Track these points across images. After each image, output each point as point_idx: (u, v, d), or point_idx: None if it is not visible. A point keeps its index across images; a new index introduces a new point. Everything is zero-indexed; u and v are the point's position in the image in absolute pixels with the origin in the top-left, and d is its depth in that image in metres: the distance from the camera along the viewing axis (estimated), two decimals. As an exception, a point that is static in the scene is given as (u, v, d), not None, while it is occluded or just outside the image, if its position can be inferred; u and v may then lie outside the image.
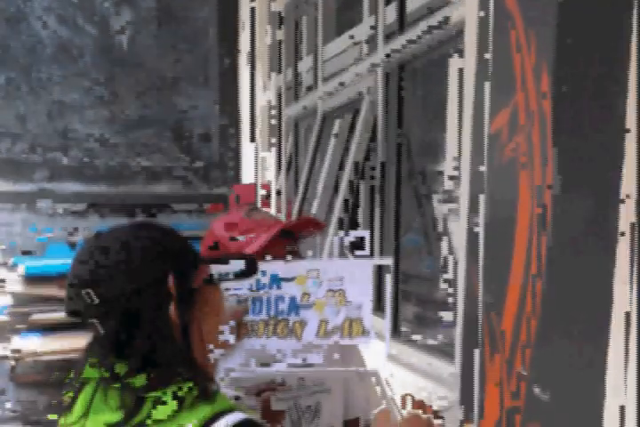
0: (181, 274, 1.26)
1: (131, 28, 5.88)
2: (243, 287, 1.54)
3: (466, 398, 1.65)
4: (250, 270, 1.37)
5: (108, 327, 1.24)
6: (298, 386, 1.61)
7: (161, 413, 1.18)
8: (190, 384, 1.21)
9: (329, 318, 1.49)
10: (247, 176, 4.83)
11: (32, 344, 4.70)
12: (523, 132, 1.42)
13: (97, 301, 1.24)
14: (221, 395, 1.25)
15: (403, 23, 2.79)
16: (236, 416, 1.20)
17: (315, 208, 3.41)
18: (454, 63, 2.00)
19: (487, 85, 1.60)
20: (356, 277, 1.48)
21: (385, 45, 2.87)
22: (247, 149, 4.87)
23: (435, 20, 2.39)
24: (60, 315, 4.83)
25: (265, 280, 1.54)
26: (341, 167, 3.28)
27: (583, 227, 1.33)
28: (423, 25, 2.49)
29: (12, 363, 4.62)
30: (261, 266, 1.53)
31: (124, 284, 1.24)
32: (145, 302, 1.24)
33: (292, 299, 1.53)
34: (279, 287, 1.53)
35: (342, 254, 1.64)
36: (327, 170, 3.34)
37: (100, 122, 5.90)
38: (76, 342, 4.55)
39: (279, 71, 4.40)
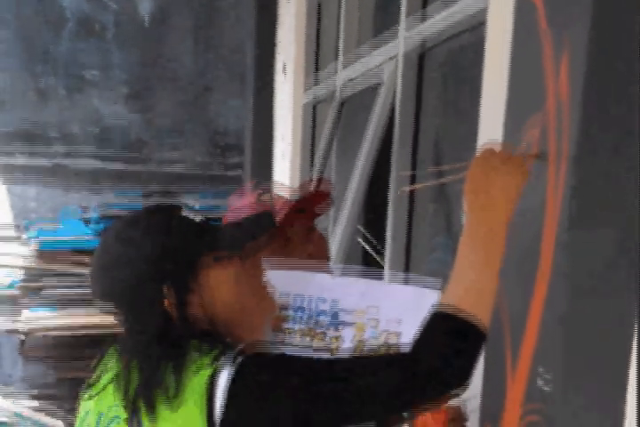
0: (179, 277, 1.27)
1: (169, 36, 5.89)
2: (302, 322, 1.52)
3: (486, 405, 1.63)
4: (265, 225, 1.36)
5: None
6: None
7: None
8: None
9: (367, 340, 1.46)
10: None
11: (42, 319, 4.72)
12: (552, 144, 1.39)
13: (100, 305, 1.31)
14: None
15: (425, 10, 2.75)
16: (248, 355, 1.21)
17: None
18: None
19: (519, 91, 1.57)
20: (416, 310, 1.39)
21: (406, 33, 2.82)
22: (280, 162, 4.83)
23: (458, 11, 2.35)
24: (71, 291, 4.88)
25: (324, 320, 1.51)
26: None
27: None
28: (445, 14, 2.45)
29: (22, 337, 4.64)
30: (307, 278, 1.56)
31: (119, 302, 1.29)
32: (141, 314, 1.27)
33: (334, 314, 1.51)
34: (336, 329, 1.50)
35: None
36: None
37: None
38: (87, 318, 4.59)
39: (315, 84, 4.36)
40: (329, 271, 1.69)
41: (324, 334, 1.50)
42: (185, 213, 1.35)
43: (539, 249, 1.40)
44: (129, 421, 1.23)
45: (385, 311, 1.46)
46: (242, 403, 1.16)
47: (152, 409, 1.19)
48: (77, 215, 5.46)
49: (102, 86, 5.90)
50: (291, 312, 1.55)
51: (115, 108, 5.92)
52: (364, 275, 1.63)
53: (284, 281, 1.48)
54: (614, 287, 1.32)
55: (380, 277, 2.72)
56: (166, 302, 1.26)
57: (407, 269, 2.78)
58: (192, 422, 1.17)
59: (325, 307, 1.51)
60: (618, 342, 1.32)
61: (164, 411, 1.19)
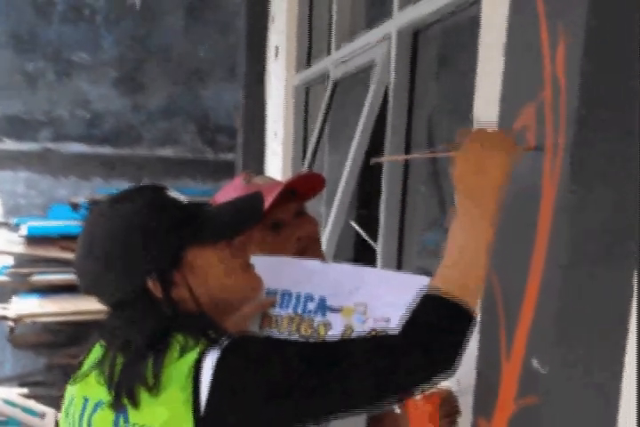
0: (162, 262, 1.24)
1: (160, 19, 5.83)
2: (289, 308, 1.50)
3: (479, 391, 1.61)
4: (254, 211, 1.32)
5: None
6: None
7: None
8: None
9: (354, 326, 1.43)
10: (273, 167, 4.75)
11: (31, 306, 4.68)
12: (549, 129, 1.35)
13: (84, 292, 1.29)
14: None
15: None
16: (234, 337, 1.19)
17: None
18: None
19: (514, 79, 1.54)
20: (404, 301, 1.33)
21: (400, 11, 2.77)
22: (272, 144, 4.79)
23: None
24: (60, 277, 4.84)
25: (312, 306, 1.48)
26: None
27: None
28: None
29: (11, 324, 4.60)
30: (295, 265, 1.53)
31: (102, 291, 1.27)
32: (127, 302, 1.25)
33: (322, 300, 1.48)
34: (324, 315, 1.46)
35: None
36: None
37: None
38: (76, 304, 4.55)
39: (307, 65, 4.30)
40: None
41: (312, 320, 1.47)
42: (171, 193, 1.32)
43: (534, 230, 1.37)
44: (113, 406, 1.20)
45: (374, 297, 1.43)
46: (229, 384, 1.14)
47: (133, 397, 1.17)
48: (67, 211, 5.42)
49: (91, 70, 5.84)
50: (277, 298, 1.52)
51: (104, 91, 5.86)
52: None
53: (271, 270, 1.45)
54: (611, 267, 1.30)
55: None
56: (151, 283, 1.22)
57: (400, 251, 2.76)
58: (176, 406, 1.14)
59: (314, 296, 1.49)
60: (615, 321, 1.31)
61: (146, 396, 1.17)
